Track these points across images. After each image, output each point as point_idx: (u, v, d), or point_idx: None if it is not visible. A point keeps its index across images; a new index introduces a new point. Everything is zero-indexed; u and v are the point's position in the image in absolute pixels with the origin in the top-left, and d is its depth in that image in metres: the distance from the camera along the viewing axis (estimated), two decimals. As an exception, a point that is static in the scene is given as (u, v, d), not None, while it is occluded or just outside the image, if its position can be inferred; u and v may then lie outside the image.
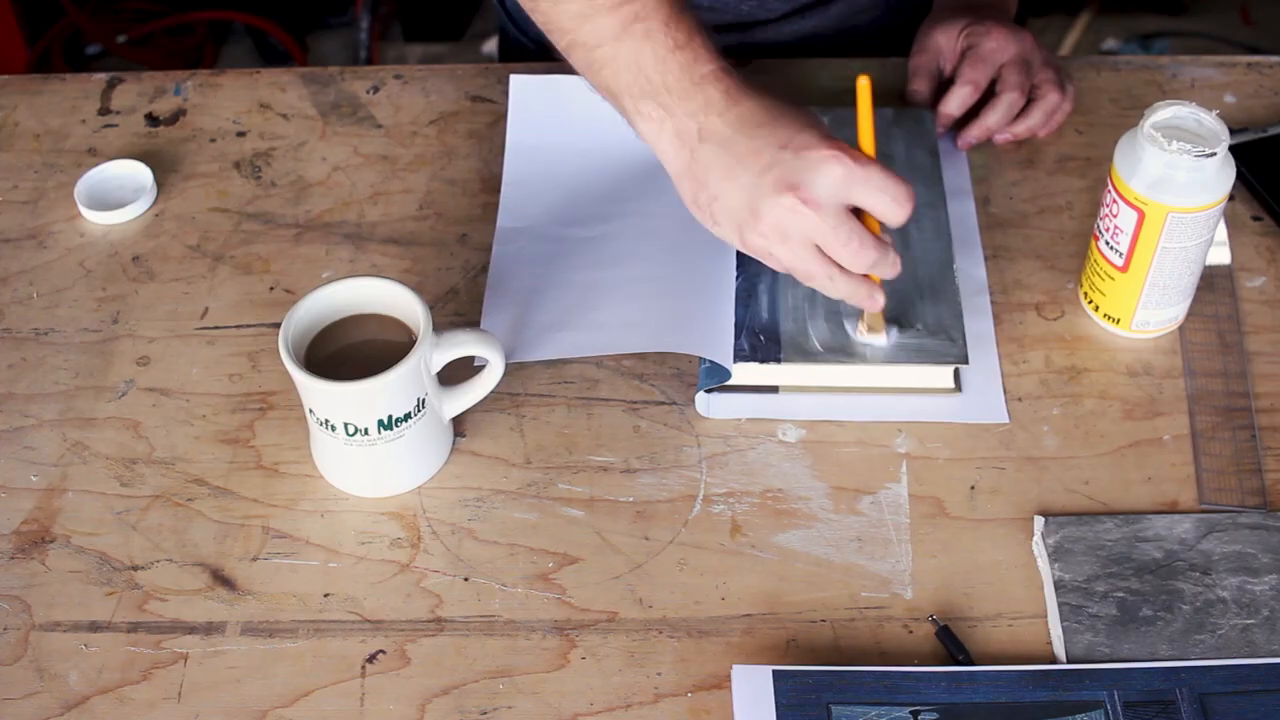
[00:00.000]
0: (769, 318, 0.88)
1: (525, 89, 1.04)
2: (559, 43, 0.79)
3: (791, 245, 0.76)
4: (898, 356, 0.86)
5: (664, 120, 0.76)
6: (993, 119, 1.01)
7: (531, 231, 0.97)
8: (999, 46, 1.01)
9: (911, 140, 0.99)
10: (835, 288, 0.79)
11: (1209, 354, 0.90)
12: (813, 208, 0.75)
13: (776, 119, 0.75)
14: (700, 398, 0.87)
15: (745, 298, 0.89)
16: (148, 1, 2.47)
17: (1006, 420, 0.87)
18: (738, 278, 0.91)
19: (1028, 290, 0.94)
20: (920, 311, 0.88)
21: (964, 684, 0.73)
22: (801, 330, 0.88)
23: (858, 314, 0.87)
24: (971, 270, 0.95)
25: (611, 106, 0.80)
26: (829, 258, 0.77)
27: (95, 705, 0.75)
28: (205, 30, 2.48)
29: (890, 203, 0.75)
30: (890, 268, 0.80)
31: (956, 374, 0.88)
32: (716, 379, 0.86)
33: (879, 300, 0.81)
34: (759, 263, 0.83)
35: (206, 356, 0.91)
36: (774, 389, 0.88)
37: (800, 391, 0.88)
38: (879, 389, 0.88)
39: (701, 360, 0.88)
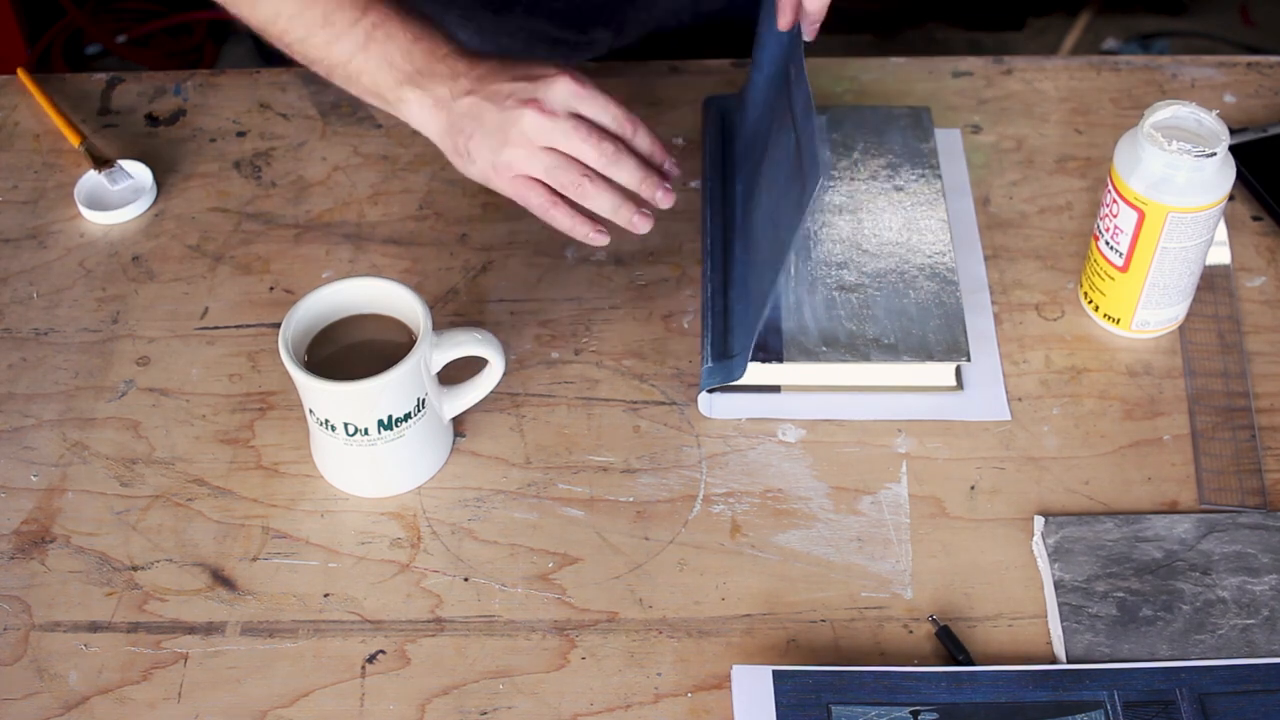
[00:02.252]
0: (770, 317, 0.88)
1: None
2: (319, 71, 0.89)
3: (539, 155, 0.84)
4: (899, 354, 0.86)
5: (422, 98, 0.86)
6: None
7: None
8: None
9: (908, 137, 0.99)
10: (595, 196, 0.85)
11: (1209, 354, 0.90)
12: (548, 115, 0.83)
13: (516, 64, 0.86)
14: (703, 398, 0.87)
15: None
16: (148, 1, 2.47)
17: (1009, 417, 0.87)
18: (734, 278, 0.91)
19: (1028, 290, 0.94)
20: (921, 309, 0.88)
21: (964, 684, 0.73)
22: (802, 329, 0.88)
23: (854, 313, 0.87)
24: (971, 267, 0.95)
25: (377, 107, 0.89)
26: (582, 167, 0.84)
27: (95, 705, 0.75)
28: (205, 30, 2.48)
29: (610, 121, 0.85)
30: (652, 187, 0.86)
31: (958, 371, 0.88)
32: (719, 378, 0.86)
33: (643, 223, 0.86)
34: (756, 262, 0.85)
35: (206, 356, 0.91)
36: (776, 388, 0.88)
37: (802, 391, 0.88)
38: (881, 387, 0.88)
39: (703, 360, 0.88)
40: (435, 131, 0.87)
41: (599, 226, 0.86)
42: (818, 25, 0.90)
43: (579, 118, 0.85)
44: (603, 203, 0.85)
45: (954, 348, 0.86)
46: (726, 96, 1.06)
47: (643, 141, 0.87)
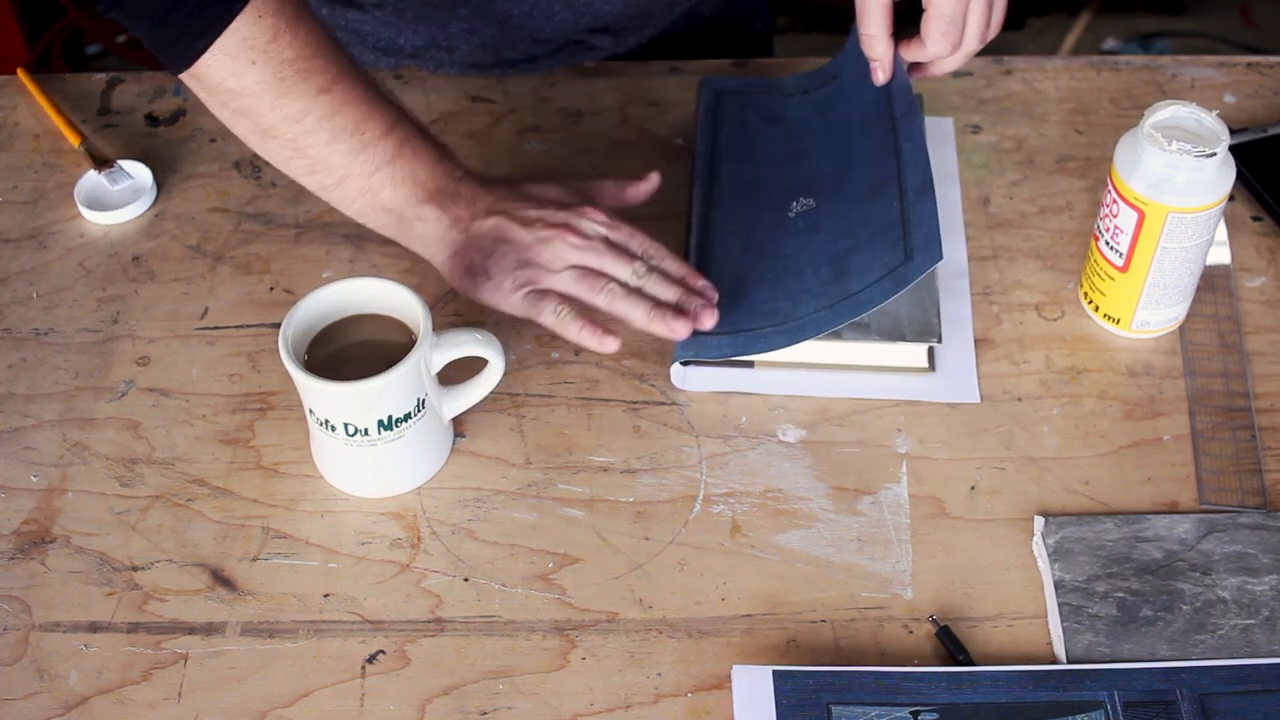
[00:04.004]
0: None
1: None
2: (325, 181, 0.87)
3: (566, 273, 0.86)
4: (871, 334, 0.87)
5: (441, 216, 0.87)
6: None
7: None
8: None
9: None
10: (626, 303, 0.86)
11: (1209, 354, 0.90)
12: (582, 238, 0.86)
13: (529, 191, 0.90)
14: (675, 370, 0.88)
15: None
16: (147, 1, 2.47)
17: (978, 400, 0.87)
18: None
19: (1028, 290, 0.94)
20: None
21: (964, 684, 0.73)
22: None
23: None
24: (953, 254, 0.95)
25: (375, 225, 0.89)
26: (607, 279, 0.86)
27: (95, 705, 0.75)
28: (205, 30, 2.48)
29: (638, 247, 0.88)
30: (692, 302, 0.87)
31: (931, 353, 0.88)
32: (691, 352, 0.87)
33: (683, 328, 0.86)
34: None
35: (206, 356, 0.91)
36: (749, 364, 0.89)
37: (775, 367, 0.88)
38: (853, 366, 0.88)
39: None
40: (447, 248, 0.87)
41: (609, 330, 0.85)
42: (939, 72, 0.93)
43: (609, 242, 0.87)
44: (637, 311, 0.86)
45: (926, 329, 0.87)
46: (723, 78, 1.07)
47: (671, 266, 0.88)
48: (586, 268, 0.86)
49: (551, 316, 0.85)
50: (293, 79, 0.82)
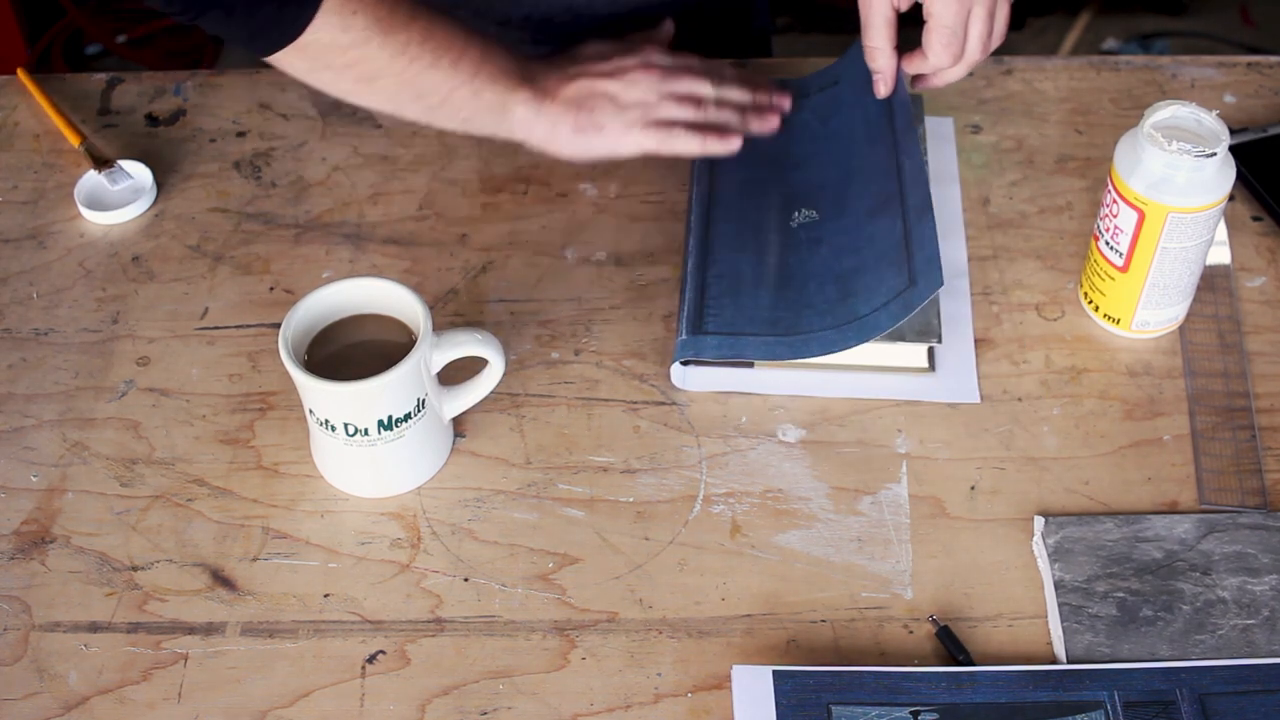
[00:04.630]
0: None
1: None
2: (432, 101, 0.91)
3: (664, 100, 0.95)
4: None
5: (534, 95, 0.93)
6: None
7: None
8: None
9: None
10: (720, 114, 0.97)
11: (1209, 354, 0.90)
12: (658, 70, 0.96)
13: (580, 52, 0.98)
14: (675, 370, 0.88)
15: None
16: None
17: (978, 400, 0.87)
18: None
19: (1028, 290, 0.94)
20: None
21: (964, 684, 0.73)
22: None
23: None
24: (953, 254, 0.95)
25: (479, 126, 0.93)
26: (691, 96, 0.96)
27: (95, 705, 0.75)
28: (205, 30, 2.48)
29: (699, 66, 0.98)
30: (766, 96, 0.99)
31: (931, 353, 0.88)
32: (690, 351, 0.87)
33: (772, 119, 0.98)
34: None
35: (206, 356, 0.91)
36: (749, 363, 0.89)
37: (775, 367, 0.88)
38: (853, 366, 0.88)
39: (678, 331, 0.89)
40: (549, 119, 0.93)
41: (728, 133, 0.95)
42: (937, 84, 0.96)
43: (680, 67, 0.97)
44: (729, 116, 0.96)
45: (926, 329, 0.87)
46: None
47: (730, 73, 0.99)
48: (678, 94, 0.95)
49: (675, 140, 0.93)
50: (387, 16, 0.87)
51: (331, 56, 0.87)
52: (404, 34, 0.88)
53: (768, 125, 0.97)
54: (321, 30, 0.85)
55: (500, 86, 0.92)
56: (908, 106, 0.94)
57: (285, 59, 0.87)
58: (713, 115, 0.96)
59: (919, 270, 0.86)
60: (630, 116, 0.93)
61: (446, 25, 0.90)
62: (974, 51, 0.90)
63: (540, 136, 0.93)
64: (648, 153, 0.94)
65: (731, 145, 0.94)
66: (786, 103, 0.99)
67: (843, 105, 1.00)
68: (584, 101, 0.93)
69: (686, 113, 0.95)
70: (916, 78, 0.94)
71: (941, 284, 0.84)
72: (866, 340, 0.86)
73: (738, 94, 0.97)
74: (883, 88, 0.94)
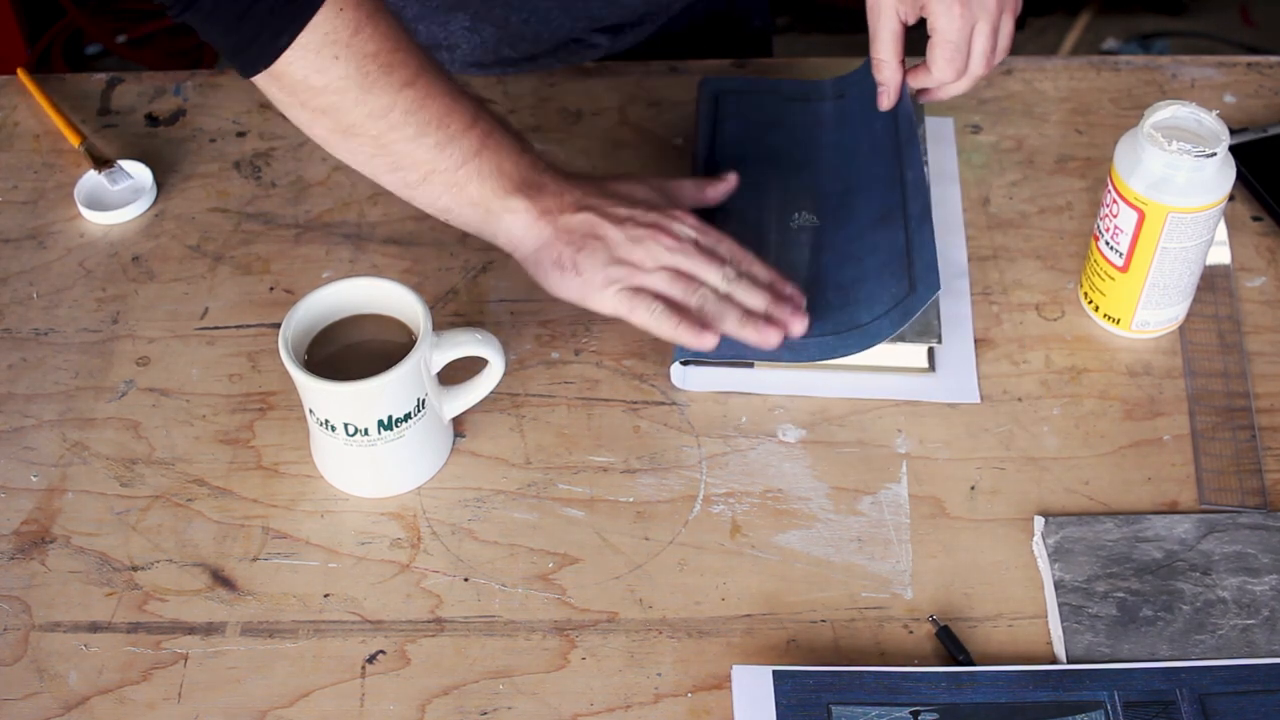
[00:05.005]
0: None
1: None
2: (409, 178, 0.84)
3: (658, 272, 0.86)
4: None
5: (530, 207, 0.86)
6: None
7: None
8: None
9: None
10: (719, 309, 0.86)
11: (1209, 354, 0.90)
12: (675, 239, 0.86)
13: (615, 188, 0.90)
14: (676, 370, 0.88)
15: None
16: (148, 1, 2.47)
17: (978, 400, 0.87)
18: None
19: (1028, 290, 0.94)
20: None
21: (964, 684, 0.73)
22: None
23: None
24: (953, 255, 0.95)
25: (459, 221, 0.87)
26: (694, 280, 0.86)
27: (95, 705, 0.75)
28: (205, 30, 2.47)
29: (726, 252, 0.88)
30: (783, 309, 0.87)
31: (931, 353, 0.88)
32: (690, 351, 0.87)
33: (774, 335, 0.86)
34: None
35: (206, 356, 0.91)
36: (749, 363, 0.89)
37: (776, 367, 0.88)
38: (853, 366, 0.88)
39: None
40: (534, 241, 0.86)
41: (706, 328, 0.85)
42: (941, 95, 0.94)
43: (700, 245, 0.87)
44: (729, 316, 0.86)
45: (926, 330, 0.87)
46: (723, 79, 1.07)
47: (760, 272, 0.88)
48: (679, 270, 0.86)
49: (645, 314, 0.85)
50: (376, 73, 0.80)
51: (306, 96, 0.81)
52: (389, 97, 0.81)
53: (765, 340, 0.86)
54: (296, 64, 0.79)
55: (490, 186, 0.85)
56: (911, 119, 0.95)
57: (263, 84, 0.82)
58: (709, 304, 0.85)
59: (918, 276, 0.86)
60: (614, 273, 0.85)
61: (452, 100, 0.84)
62: (977, 66, 0.90)
63: (523, 254, 0.87)
64: (616, 316, 0.86)
65: (705, 343, 0.85)
66: (799, 326, 0.87)
67: (850, 119, 1.01)
68: (577, 238, 0.86)
69: (675, 291, 0.85)
70: (920, 91, 0.94)
71: (939, 288, 0.84)
72: (867, 348, 0.86)
73: (751, 297, 0.87)
74: (886, 100, 0.94)
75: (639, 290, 0.85)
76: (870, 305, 0.88)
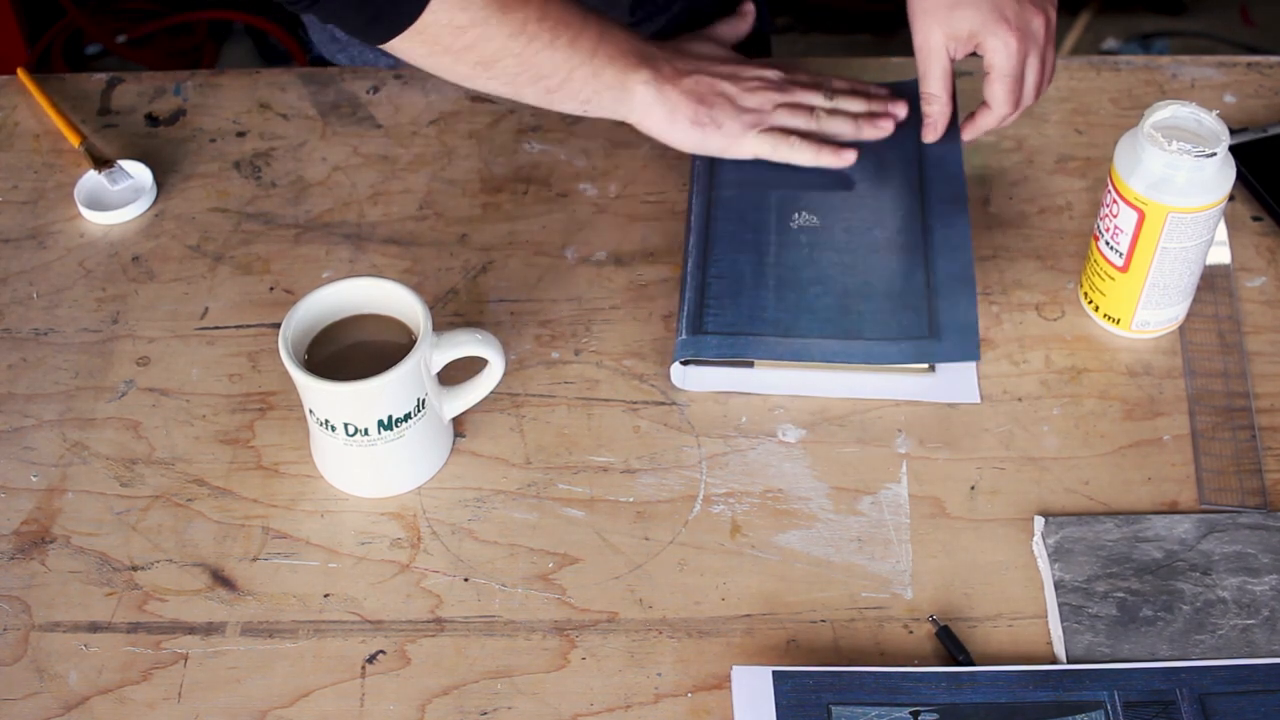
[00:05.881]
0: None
1: None
2: (551, 83, 0.92)
3: (777, 110, 0.97)
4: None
5: (654, 77, 0.94)
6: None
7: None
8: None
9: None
10: (833, 122, 0.98)
11: (1209, 354, 0.90)
12: (773, 83, 0.98)
13: (690, 46, 1.00)
14: (675, 369, 0.88)
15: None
16: (148, 1, 2.47)
17: (978, 400, 0.87)
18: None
19: (1028, 290, 0.94)
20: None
21: (964, 684, 0.73)
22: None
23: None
24: None
25: (599, 108, 0.95)
26: (805, 107, 0.98)
27: (95, 705, 0.75)
28: (205, 30, 2.48)
29: (811, 81, 1.00)
30: (881, 105, 0.99)
31: None
32: (690, 351, 0.87)
33: (886, 124, 0.98)
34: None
35: (206, 356, 0.91)
36: (749, 363, 0.89)
37: (776, 367, 0.88)
38: (853, 366, 0.88)
39: (678, 331, 0.89)
40: (667, 106, 0.94)
41: (843, 147, 0.96)
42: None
43: (792, 80, 0.98)
44: (845, 125, 0.97)
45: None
46: None
47: (841, 83, 1.00)
48: (793, 103, 0.97)
49: (787, 149, 0.95)
50: None
51: (450, 39, 0.87)
52: (521, 12, 0.88)
53: (881, 131, 0.97)
54: (440, 10, 0.85)
55: (619, 66, 0.92)
56: (962, 180, 0.97)
57: (403, 45, 0.87)
58: (827, 126, 0.97)
59: (946, 327, 0.88)
60: (748, 119, 0.95)
61: (561, 2, 0.90)
62: (1029, 96, 0.95)
63: (657, 121, 0.95)
64: (762, 157, 0.96)
65: (846, 158, 0.96)
66: (902, 110, 0.98)
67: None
68: (703, 96, 0.95)
69: (800, 122, 0.96)
70: (965, 126, 0.97)
71: (978, 358, 0.87)
72: (869, 364, 0.87)
73: (851, 104, 0.98)
74: (931, 134, 0.98)
75: (775, 129, 0.96)
76: (875, 323, 0.88)
